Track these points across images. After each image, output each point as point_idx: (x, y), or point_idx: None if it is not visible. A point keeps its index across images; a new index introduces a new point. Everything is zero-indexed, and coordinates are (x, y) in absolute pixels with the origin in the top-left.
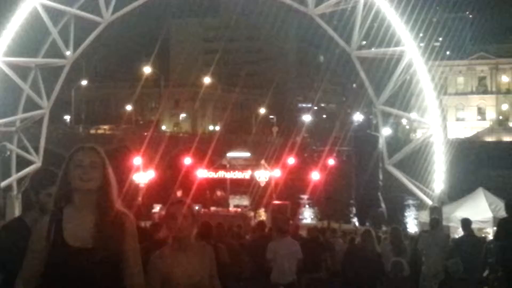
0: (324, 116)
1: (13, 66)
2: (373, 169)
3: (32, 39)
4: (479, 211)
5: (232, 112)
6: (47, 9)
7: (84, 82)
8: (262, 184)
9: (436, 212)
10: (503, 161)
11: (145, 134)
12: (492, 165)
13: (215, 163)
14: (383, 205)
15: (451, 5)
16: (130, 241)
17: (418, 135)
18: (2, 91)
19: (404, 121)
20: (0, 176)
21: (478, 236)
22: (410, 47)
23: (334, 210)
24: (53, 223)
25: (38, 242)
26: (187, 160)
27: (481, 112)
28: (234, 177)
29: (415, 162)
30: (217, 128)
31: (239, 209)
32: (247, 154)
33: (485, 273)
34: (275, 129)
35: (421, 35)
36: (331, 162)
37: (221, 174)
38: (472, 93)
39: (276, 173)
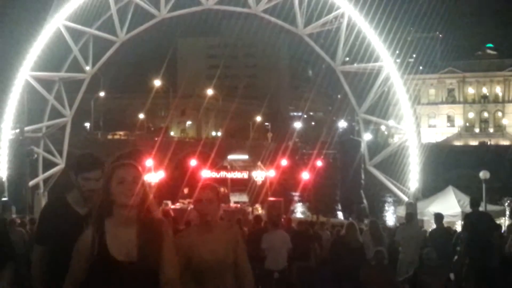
0: (313, 123)
1: (40, 80)
2: (356, 170)
3: (56, 56)
4: (449, 206)
5: (232, 120)
6: (69, 29)
7: (102, 94)
8: (259, 183)
9: (411, 207)
10: (470, 162)
11: (156, 139)
12: (460, 166)
13: (218, 165)
14: (365, 201)
15: (423, 26)
16: (168, 246)
17: (395, 140)
18: (30, 101)
19: (383, 128)
20: (28, 176)
21: (448, 228)
22: (387, 63)
23: (322, 205)
24: (97, 235)
25: (82, 252)
26: (193, 162)
27: (450, 119)
28: (234, 176)
29: (393, 164)
30: (219, 134)
31: (238, 205)
32: (245, 157)
33: (454, 259)
34: (269, 135)
35: (397, 52)
36: (319, 163)
37: (223, 174)
38: (442, 103)
39: (271, 173)
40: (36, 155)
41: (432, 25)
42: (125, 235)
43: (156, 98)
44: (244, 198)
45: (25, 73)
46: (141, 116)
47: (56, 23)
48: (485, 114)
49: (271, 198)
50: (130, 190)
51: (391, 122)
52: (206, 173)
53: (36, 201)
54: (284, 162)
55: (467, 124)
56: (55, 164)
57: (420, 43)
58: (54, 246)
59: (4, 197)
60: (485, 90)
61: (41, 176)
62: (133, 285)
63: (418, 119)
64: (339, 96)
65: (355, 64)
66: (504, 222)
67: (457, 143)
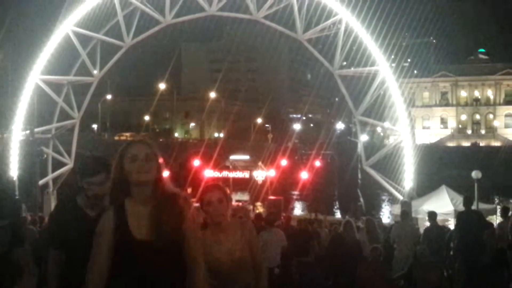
0: (312, 125)
1: (49, 83)
2: (353, 170)
3: (65, 60)
4: (442, 205)
5: (234, 122)
6: (77, 35)
7: (109, 96)
8: (260, 182)
9: (406, 206)
10: (462, 162)
11: (161, 140)
12: (453, 166)
13: (220, 165)
14: (361, 200)
15: (418, 32)
16: (188, 224)
17: (391, 141)
18: (40, 104)
19: (379, 129)
20: (38, 176)
21: (441, 226)
22: (383, 67)
23: (320, 204)
24: (118, 217)
25: (105, 236)
26: (196, 162)
27: (443, 121)
28: (236, 176)
29: (388, 164)
30: (221, 135)
31: (240, 203)
32: (246, 157)
33: (447, 255)
34: (270, 136)
35: (392, 57)
36: (317, 163)
37: (225, 173)
38: (436, 105)
39: (271, 173)
40: (45, 155)
41: (426, 31)
42: (144, 214)
43: (160, 100)
44: (246, 196)
45: (35, 76)
46: (147, 118)
47: (65, 29)
48: (477, 116)
49: (271, 197)
50: (142, 167)
51: (386, 124)
52: (209, 173)
53: (46, 200)
54: (284, 162)
55: (460, 126)
56: (64, 164)
57: (414, 48)
58: (68, 250)
59: (16, 195)
60: (477, 93)
61: (50, 176)
62: (155, 265)
63: (413, 121)
64: (336, 99)
65: (352, 68)
66: (495, 219)
67: (450, 144)
